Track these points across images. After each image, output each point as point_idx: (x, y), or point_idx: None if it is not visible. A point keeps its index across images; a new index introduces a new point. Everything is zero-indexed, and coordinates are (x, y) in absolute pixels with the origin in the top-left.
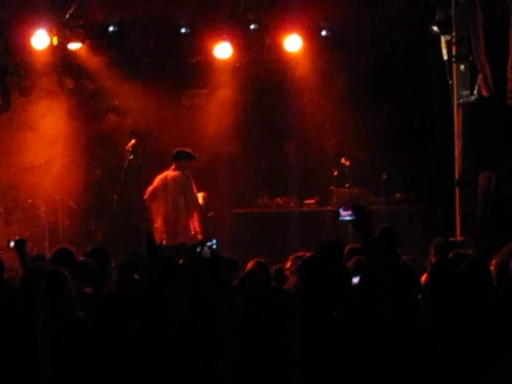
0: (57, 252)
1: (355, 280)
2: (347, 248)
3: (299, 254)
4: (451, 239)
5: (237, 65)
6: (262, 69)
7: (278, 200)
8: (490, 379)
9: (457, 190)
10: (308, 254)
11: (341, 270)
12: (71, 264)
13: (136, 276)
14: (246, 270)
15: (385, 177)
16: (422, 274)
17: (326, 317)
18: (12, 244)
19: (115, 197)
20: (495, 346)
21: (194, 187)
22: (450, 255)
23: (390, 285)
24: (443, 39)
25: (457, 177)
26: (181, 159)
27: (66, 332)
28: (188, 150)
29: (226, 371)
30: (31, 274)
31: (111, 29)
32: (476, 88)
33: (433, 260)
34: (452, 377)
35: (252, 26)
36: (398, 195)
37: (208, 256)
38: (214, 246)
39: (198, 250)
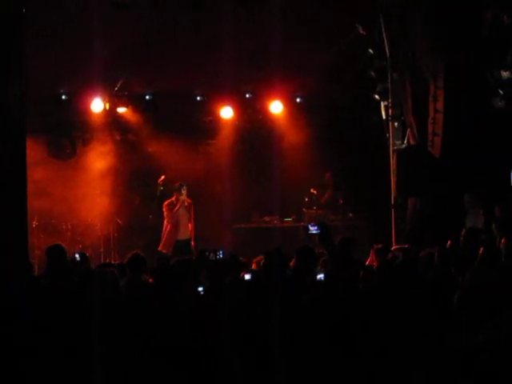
0: (132, 256)
1: (320, 276)
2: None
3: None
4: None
5: (236, 122)
6: (254, 125)
7: (266, 218)
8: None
9: (392, 211)
10: None
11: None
12: (143, 264)
13: None
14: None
15: (341, 202)
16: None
17: (297, 301)
18: (77, 256)
19: (150, 216)
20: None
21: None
22: (390, 256)
23: (345, 277)
24: (382, 104)
25: (392, 202)
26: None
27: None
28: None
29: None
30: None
31: (147, 97)
32: (406, 139)
33: (372, 260)
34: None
35: (247, 95)
36: (350, 215)
37: (213, 259)
38: (221, 255)
39: (207, 254)
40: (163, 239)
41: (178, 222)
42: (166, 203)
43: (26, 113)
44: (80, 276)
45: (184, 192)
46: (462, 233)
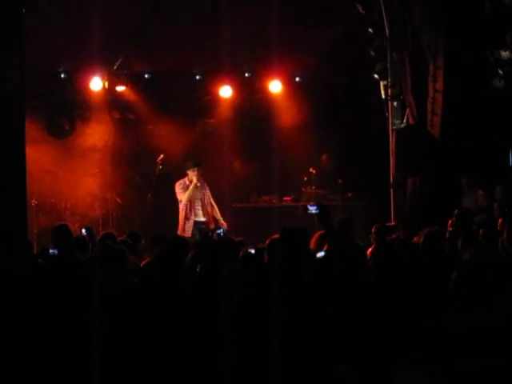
0: (104, 234)
1: (320, 254)
2: (318, 233)
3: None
4: (387, 224)
5: (235, 102)
6: (253, 105)
7: (265, 197)
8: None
9: (391, 190)
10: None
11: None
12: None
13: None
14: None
15: (340, 181)
16: (367, 249)
17: (299, 280)
18: (84, 231)
19: (149, 195)
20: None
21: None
22: (388, 237)
23: (345, 257)
24: (381, 83)
25: (391, 181)
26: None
27: (123, 293)
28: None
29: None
30: (103, 250)
31: (146, 76)
32: (405, 118)
33: (372, 239)
34: (389, 319)
35: (246, 74)
36: (349, 194)
37: (216, 239)
38: (221, 233)
39: (210, 234)
40: (179, 222)
41: (191, 203)
42: (177, 183)
43: (24, 104)
44: (94, 254)
45: (195, 171)
46: (455, 213)
